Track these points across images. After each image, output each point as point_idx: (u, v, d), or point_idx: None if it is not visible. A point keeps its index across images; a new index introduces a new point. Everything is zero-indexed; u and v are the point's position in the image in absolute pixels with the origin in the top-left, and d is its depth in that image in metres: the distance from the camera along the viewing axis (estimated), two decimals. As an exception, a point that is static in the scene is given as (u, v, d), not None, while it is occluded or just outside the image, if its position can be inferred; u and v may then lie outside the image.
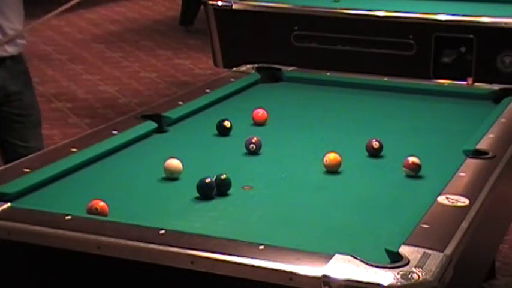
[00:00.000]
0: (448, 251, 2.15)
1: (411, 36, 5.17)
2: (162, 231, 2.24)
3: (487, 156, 2.90)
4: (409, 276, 2.02)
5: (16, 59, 3.70)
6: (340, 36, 5.37)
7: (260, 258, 2.10)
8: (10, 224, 2.31)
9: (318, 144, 3.13)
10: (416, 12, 5.27)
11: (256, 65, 4.09)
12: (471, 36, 5.08)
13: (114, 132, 3.09)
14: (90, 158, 2.87)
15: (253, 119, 3.40)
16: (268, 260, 2.09)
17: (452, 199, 2.49)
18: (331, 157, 2.87)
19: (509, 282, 4.19)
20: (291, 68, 4.13)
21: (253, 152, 3.03)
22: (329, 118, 3.55)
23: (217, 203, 2.59)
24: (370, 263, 2.07)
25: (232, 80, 3.89)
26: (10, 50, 3.64)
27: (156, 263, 2.17)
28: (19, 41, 3.70)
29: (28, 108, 3.76)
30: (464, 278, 2.46)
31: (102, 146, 2.97)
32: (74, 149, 2.90)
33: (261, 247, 2.15)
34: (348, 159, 2.90)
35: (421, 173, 2.83)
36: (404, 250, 2.14)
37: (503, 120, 3.31)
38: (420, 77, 4.26)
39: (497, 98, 3.71)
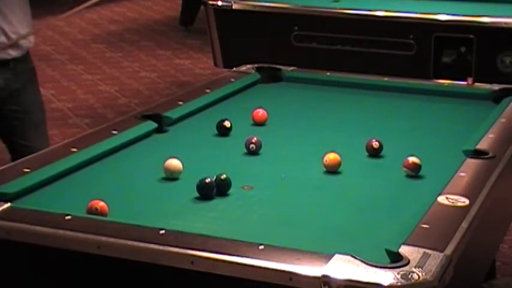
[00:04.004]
0: (448, 251, 2.15)
1: (411, 36, 5.18)
2: (162, 231, 2.24)
3: (487, 156, 2.90)
4: (409, 276, 2.02)
5: (20, 59, 3.69)
6: (340, 36, 5.37)
7: (260, 258, 2.10)
8: (10, 224, 2.31)
9: (318, 144, 3.13)
10: (416, 12, 5.27)
11: (256, 65, 4.09)
12: (471, 36, 5.08)
13: (114, 132, 3.09)
14: (90, 158, 2.87)
15: (253, 119, 3.40)
16: (268, 260, 2.09)
17: (452, 199, 2.49)
18: (331, 157, 2.87)
19: (509, 282, 4.19)
20: (291, 68, 4.13)
21: (253, 152, 3.03)
22: (329, 118, 3.55)
23: (217, 203, 2.59)
24: (370, 263, 2.07)
25: (232, 80, 3.89)
26: (13, 53, 3.62)
27: (156, 263, 2.17)
28: (23, 44, 3.68)
29: (28, 105, 3.73)
30: (464, 278, 2.46)
31: (102, 146, 2.97)
32: (74, 149, 2.90)
33: (261, 247, 2.15)
34: (348, 159, 2.90)
35: (421, 173, 2.83)
36: (404, 250, 2.14)
37: (503, 120, 3.31)
38: (420, 77, 4.26)
39: (497, 98, 3.71)
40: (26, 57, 3.74)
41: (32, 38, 3.76)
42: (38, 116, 3.83)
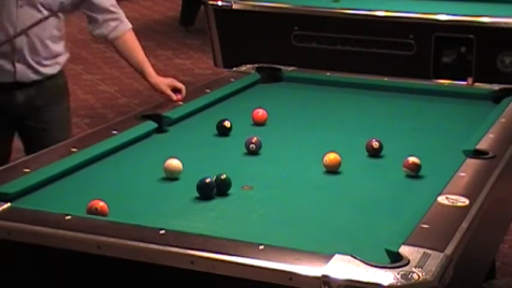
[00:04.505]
0: (448, 251, 2.15)
1: (411, 36, 5.18)
2: (162, 231, 2.24)
3: (487, 156, 2.90)
4: (409, 276, 2.02)
5: (45, 78, 3.56)
6: (340, 36, 5.38)
7: (260, 258, 2.10)
8: (10, 224, 2.31)
9: (318, 144, 3.13)
10: (416, 12, 5.27)
11: (256, 65, 4.09)
12: (471, 36, 5.08)
13: (114, 132, 3.09)
14: (90, 158, 2.87)
15: (253, 119, 3.40)
16: (268, 260, 2.09)
17: (452, 199, 2.49)
18: (331, 157, 2.87)
19: (509, 282, 4.19)
20: (291, 68, 4.13)
21: (253, 152, 3.03)
22: (329, 118, 3.55)
23: (217, 203, 2.59)
24: (370, 263, 2.07)
25: (232, 80, 3.89)
26: (34, 77, 3.51)
27: (156, 263, 2.17)
28: (45, 71, 3.54)
29: (49, 123, 3.58)
30: (464, 278, 2.46)
31: (102, 146, 2.97)
32: (74, 149, 2.90)
33: (261, 247, 2.15)
34: (348, 159, 2.90)
35: (421, 173, 2.83)
36: (404, 250, 2.14)
37: (503, 120, 3.31)
38: (420, 77, 4.26)
39: (497, 98, 3.71)
40: (53, 76, 3.61)
41: (57, 66, 3.61)
42: (60, 135, 3.58)
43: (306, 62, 4.55)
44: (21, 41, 3.46)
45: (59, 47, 3.62)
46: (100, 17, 3.64)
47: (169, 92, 3.55)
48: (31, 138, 3.60)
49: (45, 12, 3.48)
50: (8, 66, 3.47)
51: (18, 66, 3.48)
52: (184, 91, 3.57)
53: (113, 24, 3.65)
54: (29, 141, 3.62)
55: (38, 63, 3.52)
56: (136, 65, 3.70)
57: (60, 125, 3.64)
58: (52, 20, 3.54)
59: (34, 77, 3.53)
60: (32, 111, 3.57)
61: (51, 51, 3.57)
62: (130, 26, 3.75)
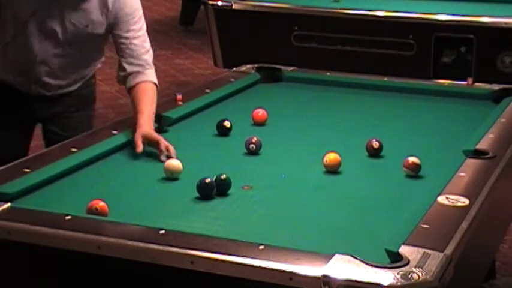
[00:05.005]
0: (448, 251, 2.15)
1: (411, 36, 5.18)
2: (162, 231, 2.24)
3: (487, 156, 2.90)
4: (409, 276, 2.02)
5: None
6: (340, 36, 5.38)
7: (260, 258, 2.10)
8: (10, 224, 2.31)
9: (318, 144, 3.13)
10: (416, 12, 5.28)
11: (256, 65, 4.09)
12: (471, 36, 5.08)
13: (114, 132, 3.09)
14: (90, 158, 2.87)
15: (253, 119, 3.40)
16: (268, 260, 2.09)
17: (452, 199, 2.49)
18: (331, 157, 2.87)
19: (509, 282, 4.18)
20: (291, 68, 4.13)
21: (253, 152, 3.03)
22: (329, 118, 3.56)
23: (217, 203, 2.59)
24: (370, 263, 2.07)
25: (232, 80, 3.89)
26: (49, 94, 3.48)
27: (156, 263, 2.17)
28: (58, 91, 3.48)
29: (68, 130, 3.52)
30: (464, 278, 2.46)
31: (102, 146, 2.97)
32: (74, 149, 2.90)
33: (261, 247, 2.15)
34: (348, 159, 2.90)
35: (421, 173, 2.83)
36: (404, 250, 2.14)
37: (503, 120, 3.32)
38: (420, 77, 4.27)
39: (497, 98, 3.72)
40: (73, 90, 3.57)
41: (77, 84, 3.56)
42: None
43: (306, 62, 4.56)
44: (41, 70, 3.42)
45: (87, 70, 3.58)
46: (128, 66, 3.56)
47: (138, 142, 3.22)
48: (50, 141, 3.58)
49: (67, 47, 3.42)
50: (23, 88, 3.44)
51: (34, 86, 3.45)
52: (162, 144, 3.00)
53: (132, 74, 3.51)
54: (48, 145, 3.60)
55: (56, 85, 3.48)
56: (134, 113, 3.47)
57: (80, 132, 3.45)
58: (80, 49, 3.49)
59: (49, 94, 3.51)
60: (50, 117, 3.56)
61: (74, 76, 3.53)
62: (149, 79, 3.39)
